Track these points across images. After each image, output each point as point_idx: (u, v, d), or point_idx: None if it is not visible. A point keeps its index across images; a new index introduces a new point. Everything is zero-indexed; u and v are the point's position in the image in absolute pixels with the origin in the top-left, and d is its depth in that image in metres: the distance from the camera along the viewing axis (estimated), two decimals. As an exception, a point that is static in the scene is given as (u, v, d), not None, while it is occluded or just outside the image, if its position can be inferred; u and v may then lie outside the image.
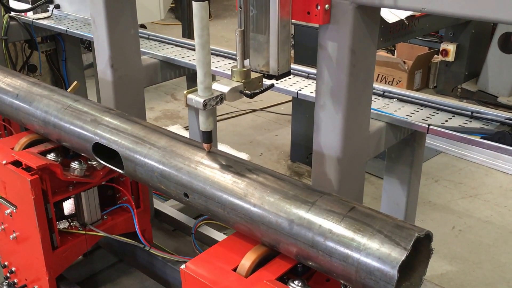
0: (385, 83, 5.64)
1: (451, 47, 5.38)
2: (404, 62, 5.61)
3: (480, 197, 3.94)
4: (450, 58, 5.41)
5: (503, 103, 5.19)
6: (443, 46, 5.44)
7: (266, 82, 1.76)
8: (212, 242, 2.82)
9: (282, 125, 5.21)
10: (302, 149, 4.34)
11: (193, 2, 1.52)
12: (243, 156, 4.41)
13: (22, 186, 2.17)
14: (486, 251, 3.35)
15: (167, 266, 2.49)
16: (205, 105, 1.60)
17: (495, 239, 3.46)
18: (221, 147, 4.34)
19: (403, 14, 3.54)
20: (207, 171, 1.71)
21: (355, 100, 1.81)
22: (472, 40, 5.36)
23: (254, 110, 5.46)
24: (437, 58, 5.67)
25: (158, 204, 3.27)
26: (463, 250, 3.35)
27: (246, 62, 1.72)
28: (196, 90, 1.63)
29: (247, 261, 1.60)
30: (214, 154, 1.77)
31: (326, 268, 1.45)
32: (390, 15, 3.48)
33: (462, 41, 5.39)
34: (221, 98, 1.64)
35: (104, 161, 2.07)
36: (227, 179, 1.66)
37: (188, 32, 5.20)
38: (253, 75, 1.71)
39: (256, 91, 1.68)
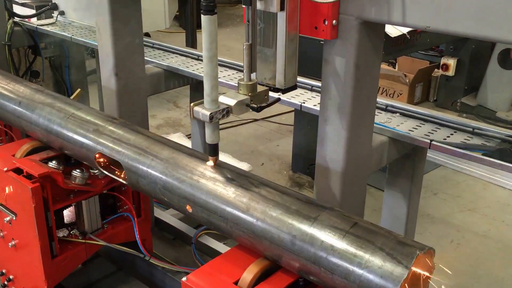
0: (386, 95, 5.66)
1: (451, 62, 5.42)
2: (405, 76, 5.64)
3: (478, 211, 3.94)
4: (450, 72, 5.46)
5: (502, 118, 5.22)
6: (443, 60, 5.48)
7: (272, 94, 1.76)
8: (212, 252, 2.82)
9: (283, 135, 5.21)
10: (303, 160, 4.34)
11: (202, 16, 1.52)
12: (244, 166, 4.41)
13: (22, 194, 2.16)
14: (483, 265, 3.35)
15: (166, 276, 2.49)
16: (211, 118, 1.60)
17: (493, 253, 3.46)
18: (223, 156, 4.33)
19: (405, 29, 3.57)
20: (209, 184, 1.71)
21: (359, 114, 1.82)
22: (472, 55, 5.41)
23: (255, 120, 5.46)
24: (438, 72, 5.71)
25: (159, 213, 3.26)
26: (461, 263, 3.35)
27: (253, 75, 1.72)
28: (202, 103, 1.63)
29: (248, 274, 1.60)
30: (217, 166, 1.77)
31: (328, 284, 1.45)
32: (393, 30, 3.51)
33: (462, 56, 5.43)
34: (227, 111, 1.64)
35: (106, 170, 2.07)
36: (229, 192, 1.66)
37: (191, 41, 5.21)
38: (259, 88, 1.71)
39: (263, 104, 1.68)
